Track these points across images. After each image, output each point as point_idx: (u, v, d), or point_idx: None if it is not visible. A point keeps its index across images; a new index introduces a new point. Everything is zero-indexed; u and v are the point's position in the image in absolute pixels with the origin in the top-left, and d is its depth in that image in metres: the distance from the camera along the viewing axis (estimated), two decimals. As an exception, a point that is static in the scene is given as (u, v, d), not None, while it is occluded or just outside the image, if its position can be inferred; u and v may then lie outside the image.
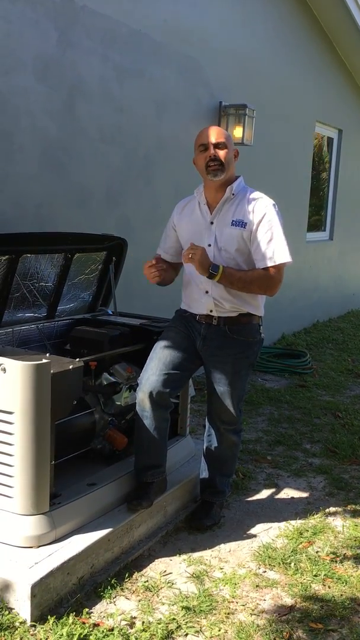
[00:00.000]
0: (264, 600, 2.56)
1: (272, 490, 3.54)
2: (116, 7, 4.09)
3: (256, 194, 2.84)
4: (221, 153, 2.76)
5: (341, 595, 2.60)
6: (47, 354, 2.63)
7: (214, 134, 2.78)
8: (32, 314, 3.22)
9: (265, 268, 2.76)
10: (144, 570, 2.69)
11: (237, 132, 5.33)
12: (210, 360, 2.91)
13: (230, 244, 2.79)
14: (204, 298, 2.85)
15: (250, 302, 2.85)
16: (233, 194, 2.82)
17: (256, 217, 2.76)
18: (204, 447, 3.16)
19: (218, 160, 2.75)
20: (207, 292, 2.84)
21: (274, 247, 2.75)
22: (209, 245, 2.83)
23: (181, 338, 2.91)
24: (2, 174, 3.44)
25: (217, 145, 2.76)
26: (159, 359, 2.86)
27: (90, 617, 2.35)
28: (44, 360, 2.41)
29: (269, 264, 2.75)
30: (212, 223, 2.84)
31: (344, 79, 8.22)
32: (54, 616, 2.31)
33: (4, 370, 2.38)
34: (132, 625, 2.34)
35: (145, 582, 2.60)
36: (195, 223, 2.89)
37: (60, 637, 2.21)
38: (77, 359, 2.63)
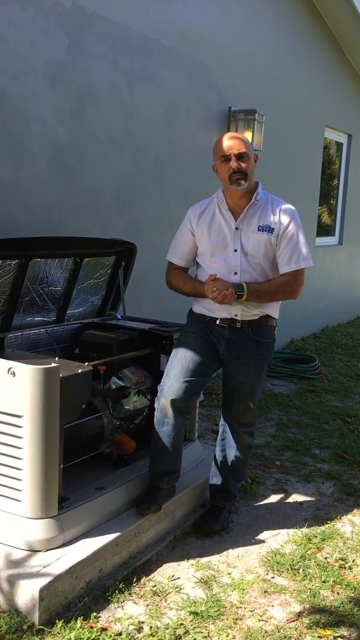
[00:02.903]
0: (272, 606, 2.55)
1: (281, 495, 3.53)
2: (126, 13, 4.11)
3: (280, 201, 2.91)
4: (244, 165, 2.77)
5: (350, 601, 2.59)
6: (56, 358, 2.64)
7: (236, 145, 2.77)
8: (41, 318, 3.23)
9: (288, 273, 2.83)
10: (152, 575, 2.69)
11: (247, 137, 5.33)
12: (235, 363, 2.93)
13: (258, 249, 2.82)
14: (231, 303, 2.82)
15: (273, 305, 2.92)
16: (257, 200, 2.85)
17: (283, 223, 2.83)
18: (218, 452, 3.16)
19: (242, 172, 2.76)
20: None
21: (299, 252, 2.83)
22: (235, 250, 2.84)
23: (201, 344, 2.90)
24: (12, 179, 3.47)
25: (239, 157, 2.77)
26: (182, 366, 2.85)
27: (98, 622, 2.35)
28: (53, 364, 2.42)
29: (294, 268, 2.82)
30: (237, 229, 2.85)
31: (354, 83, 8.22)
32: (62, 620, 2.31)
33: (14, 374, 2.39)
34: (140, 629, 2.34)
35: (153, 586, 2.60)
36: (217, 228, 2.87)
37: (68, 641, 2.21)
38: (86, 363, 2.64)
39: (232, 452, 3.10)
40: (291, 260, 2.83)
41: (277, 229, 2.82)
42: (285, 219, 2.83)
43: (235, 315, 2.86)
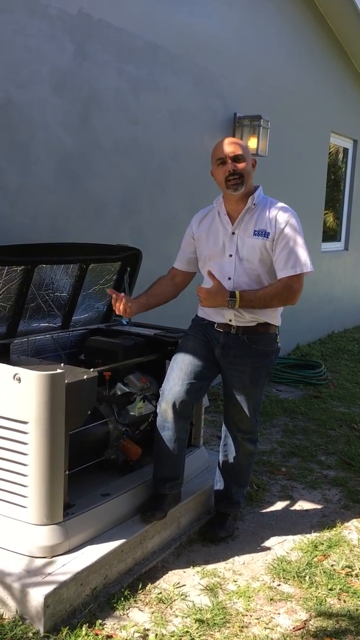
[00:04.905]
0: (278, 614, 2.53)
1: (287, 502, 3.51)
2: (132, 20, 4.13)
3: (277, 204, 2.85)
4: (240, 166, 2.76)
5: (356, 609, 2.57)
6: (62, 364, 2.65)
7: (232, 147, 2.77)
8: (47, 324, 3.24)
9: (285, 278, 2.76)
10: (158, 582, 2.68)
11: (252, 143, 5.34)
12: (229, 369, 2.91)
13: (253, 255, 2.79)
14: (224, 308, 2.83)
15: (269, 312, 2.85)
16: (254, 204, 2.82)
17: (278, 227, 2.76)
18: (220, 457, 3.15)
19: (238, 174, 2.75)
20: None
21: (296, 257, 2.75)
22: (230, 255, 2.83)
23: (200, 347, 2.91)
24: (18, 186, 3.48)
25: (235, 159, 2.76)
26: (181, 369, 2.86)
27: (103, 629, 2.34)
28: (59, 371, 2.42)
29: (291, 273, 2.75)
30: (233, 233, 2.84)
31: (359, 89, 8.22)
32: (67, 627, 2.30)
33: (19, 380, 2.40)
34: (145, 637, 2.33)
35: (158, 594, 2.59)
36: (215, 234, 2.89)
37: (73, 649, 2.20)
38: (92, 369, 2.64)
39: (233, 458, 3.08)
40: (287, 265, 2.75)
41: (273, 233, 2.76)
42: (281, 222, 2.76)
43: (230, 320, 2.84)
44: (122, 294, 2.94)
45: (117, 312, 2.94)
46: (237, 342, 2.86)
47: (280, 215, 2.78)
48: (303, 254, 2.76)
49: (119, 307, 2.89)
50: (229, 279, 2.83)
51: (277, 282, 2.79)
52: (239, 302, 2.74)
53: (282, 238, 2.75)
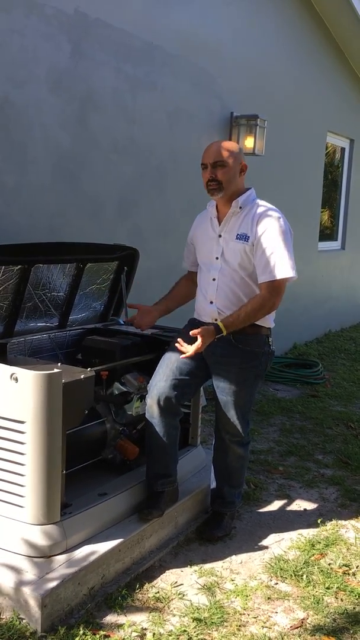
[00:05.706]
0: (276, 612, 2.54)
1: (284, 501, 3.52)
2: (129, 20, 4.13)
3: (263, 207, 2.81)
4: (219, 173, 2.76)
5: (354, 608, 2.58)
6: (59, 364, 2.65)
7: (213, 154, 2.77)
8: (44, 324, 3.24)
9: (263, 284, 2.74)
10: (155, 581, 2.68)
11: (249, 142, 5.35)
12: (215, 368, 2.92)
13: (234, 258, 2.80)
14: (209, 307, 2.88)
15: None
16: (240, 208, 2.82)
17: (259, 231, 2.75)
18: (213, 457, 3.16)
19: (216, 181, 2.77)
20: (211, 302, 2.87)
21: (275, 262, 2.71)
22: (217, 258, 2.85)
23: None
24: (16, 185, 3.48)
25: (215, 165, 2.76)
26: (167, 365, 2.88)
27: (100, 628, 2.34)
28: (56, 370, 2.42)
29: (269, 278, 2.72)
30: (220, 236, 2.86)
31: (356, 89, 8.23)
32: (65, 627, 2.30)
33: (16, 379, 2.40)
34: (142, 636, 2.33)
35: (156, 593, 2.59)
36: (206, 236, 2.93)
37: (70, 648, 2.20)
38: (89, 369, 2.64)
39: (224, 460, 3.08)
40: (266, 270, 2.72)
41: (253, 238, 2.75)
42: (262, 227, 2.74)
43: (215, 320, 2.85)
44: (141, 305, 3.06)
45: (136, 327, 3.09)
46: (224, 341, 2.83)
47: (263, 220, 2.76)
48: (284, 259, 2.71)
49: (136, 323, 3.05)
50: (214, 279, 2.86)
51: (256, 296, 2.77)
52: (224, 329, 2.74)
53: (262, 243, 2.73)
